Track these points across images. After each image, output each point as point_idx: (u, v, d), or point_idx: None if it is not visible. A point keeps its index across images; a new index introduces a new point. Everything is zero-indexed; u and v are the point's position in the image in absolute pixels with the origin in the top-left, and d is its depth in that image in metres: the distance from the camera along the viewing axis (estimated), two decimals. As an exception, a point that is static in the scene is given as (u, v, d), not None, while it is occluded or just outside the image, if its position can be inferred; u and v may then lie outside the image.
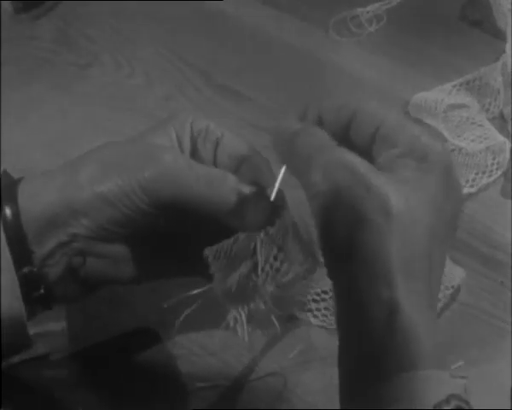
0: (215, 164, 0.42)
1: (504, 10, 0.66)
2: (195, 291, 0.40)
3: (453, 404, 0.29)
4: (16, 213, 0.37)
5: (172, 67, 0.67)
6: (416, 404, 0.29)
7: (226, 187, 0.39)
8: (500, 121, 0.61)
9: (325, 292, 0.50)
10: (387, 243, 0.31)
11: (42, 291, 0.38)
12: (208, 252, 0.38)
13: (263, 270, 0.38)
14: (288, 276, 0.39)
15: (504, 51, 0.62)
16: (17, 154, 0.59)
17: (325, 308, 0.49)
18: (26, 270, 0.38)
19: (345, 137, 0.37)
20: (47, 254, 0.38)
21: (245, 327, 0.39)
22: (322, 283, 0.49)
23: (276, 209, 0.39)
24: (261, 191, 0.40)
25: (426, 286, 0.32)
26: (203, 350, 0.49)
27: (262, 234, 0.38)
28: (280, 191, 0.39)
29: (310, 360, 0.48)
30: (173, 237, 0.42)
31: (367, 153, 0.35)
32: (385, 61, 0.67)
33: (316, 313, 0.49)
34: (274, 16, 0.71)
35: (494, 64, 0.61)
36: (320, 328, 0.49)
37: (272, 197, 0.39)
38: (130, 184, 0.38)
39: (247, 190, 0.39)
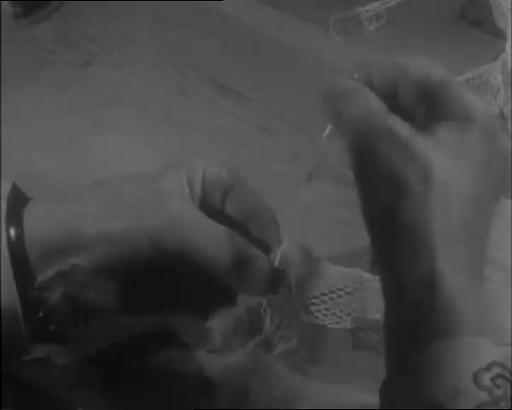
0: (223, 213, 0.41)
1: (504, 10, 0.66)
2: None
3: (494, 372, 0.28)
4: (20, 236, 0.37)
5: (172, 66, 0.67)
6: (454, 372, 0.29)
7: (231, 247, 0.38)
8: (500, 119, 0.61)
9: (324, 294, 0.50)
10: (428, 211, 0.31)
11: (40, 315, 0.38)
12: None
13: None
14: (292, 343, 0.39)
15: (504, 50, 0.62)
16: (17, 153, 0.59)
17: (325, 309, 0.50)
18: (26, 292, 0.37)
19: (394, 96, 0.36)
20: (47, 281, 0.38)
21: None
22: (323, 286, 0.50)
23: (279, 274, 0.39)
24: (266, 254, 0.40)
25: (467, 252, 0.31)
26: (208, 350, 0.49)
27: (264, 303, 0.38)
28: (284, 256, 0.39)
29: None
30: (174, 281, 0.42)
31: (414, 115, 0.35)
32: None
33: (316, 314, 0.50)
34: (274, 16, 0.71)
35: (494, 62, 0.61)
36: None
37: (276, 262, 0.39)
38: (136, 229, 0.38)
39: (252, 251, 0.39)
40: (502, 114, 0.61)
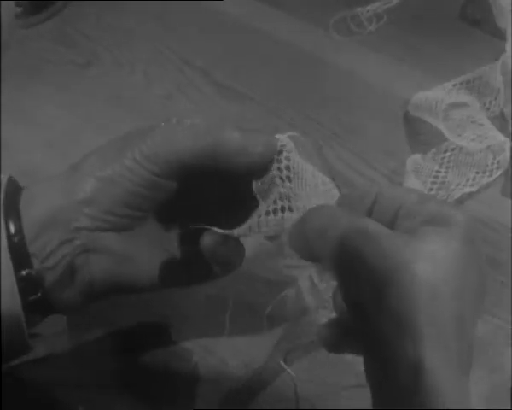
0: None
1: (504, 10, 0.66)
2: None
3: None
4: (17, 219, 0.37)
5: (172, 66, 0.67)
6: None
7: (224, 132, 0.38)
8: (500, 120, 0.61)
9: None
10: (414, 302, 0.31)
11: (39, 294, 0.38)
12: None
13: None
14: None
15: (504, 50, 0.62)
16: (17, 153, 0.59)
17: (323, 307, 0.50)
18: (24, 273, 0.37)
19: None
20: (47, 255, 0.38)
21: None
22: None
23: None
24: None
25: (455, 344, 0.31)
26: (207, 352, 0.49)
27: None
28: None
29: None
30: (185, 215, 0.41)
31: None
32: (385, 60, 0.67)
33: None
34: (274, 16, 0.71)
35: (494, 63, 0.61)
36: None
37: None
38: (134, 158, 0.37)
39: (243, 133, 0.38)
40: (502, 115, 0.61)
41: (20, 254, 0.37)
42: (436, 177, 0.57)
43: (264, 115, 0.63)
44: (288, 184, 0.38)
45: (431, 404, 0.30)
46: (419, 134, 0.61)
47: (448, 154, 0.58)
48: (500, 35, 0.66)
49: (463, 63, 0.64)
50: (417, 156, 0.58)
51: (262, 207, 0.38)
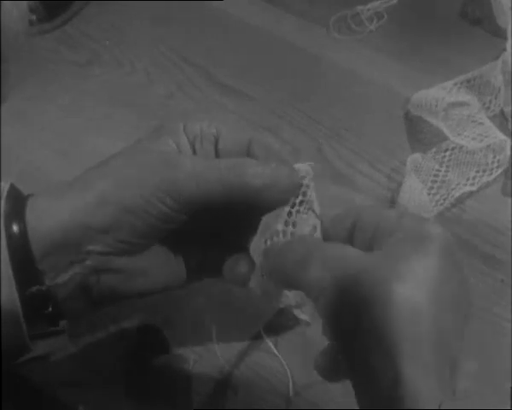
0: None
1: (504, 8, 0.66)
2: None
3: None
4: (23, 231, 0.37)
5: (173, 65, 0.67)
6: None
7: (250, 169, 0.38)
8: (501, 119, 0.61)
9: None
10: (391, 320, 0.31)
11: (50, 309, 0.38)
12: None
13: None
14: None
15: (505, 49, 0.62)
16: (18, 153, 0.59)
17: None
18: (33, 289, 0.37)
19: (350, 241, 0.37)
20: (57, 273, 0.37)
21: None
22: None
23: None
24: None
25: (433, 358, 0.31)
26: (205, 351, 0.49)
27: None
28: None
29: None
30: (192, 242, 0.42)
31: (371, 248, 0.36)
32: (385, 59, 0.67)
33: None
34: (275, 15, 0.71)
35: (495, 62, 0.61)
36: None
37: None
38: (156, 193, 0.37)
39: (270, 167, 0.38)
40: (502, 114, 0.61)
41: (26, 268, 0.36)
42: (436, 176, 0.57)
43: (264, 114, 0.63)
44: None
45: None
46: (419, 133, 0.61)
47: (448, 153, 0.58)
48: (501, 34, 0.66)
49: (464, 62, 0.64)
50: (417, 155, 0.58)
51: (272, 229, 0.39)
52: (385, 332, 0.31)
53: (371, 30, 0.69)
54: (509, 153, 0.57)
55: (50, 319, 0.39)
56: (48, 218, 0.37)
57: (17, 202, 0.38)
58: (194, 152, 0.41)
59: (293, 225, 0.39)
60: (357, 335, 0.32)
